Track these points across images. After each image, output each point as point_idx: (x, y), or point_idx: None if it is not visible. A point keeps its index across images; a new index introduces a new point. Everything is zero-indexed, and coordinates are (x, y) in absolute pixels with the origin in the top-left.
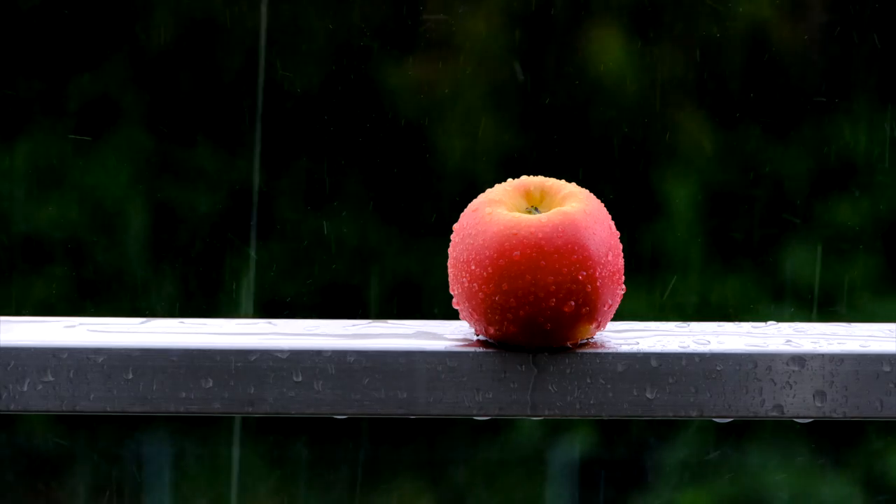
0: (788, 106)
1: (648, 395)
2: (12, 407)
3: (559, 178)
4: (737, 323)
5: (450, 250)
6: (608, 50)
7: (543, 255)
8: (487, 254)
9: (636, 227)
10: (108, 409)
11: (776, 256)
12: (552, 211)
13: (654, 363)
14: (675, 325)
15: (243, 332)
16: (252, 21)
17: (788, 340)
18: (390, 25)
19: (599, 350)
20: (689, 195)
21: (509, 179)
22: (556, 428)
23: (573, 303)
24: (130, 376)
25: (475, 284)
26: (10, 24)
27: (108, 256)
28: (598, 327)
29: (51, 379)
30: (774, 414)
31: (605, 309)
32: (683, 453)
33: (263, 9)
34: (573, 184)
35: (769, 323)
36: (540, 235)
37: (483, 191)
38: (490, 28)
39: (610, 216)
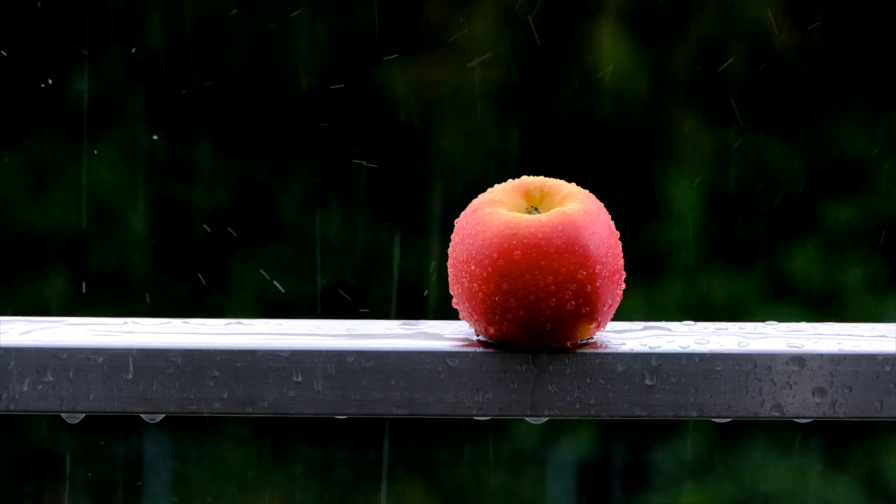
0: (789, 106)
1: (648, 396)
2: (12, 407)
3: (559, 178)
4: (737, 323)
5: (450, 250)
6: (609, 50)
7: (543, 255)
8: (487, 254)
9: (636, 227)
10: (108, 409)
11: (776, 256)
12: (552, 211)
13: (654, 363)
14: (676, 325)
15: (243, 332)
16: (253, 19)
17: (788, 340)
18: (391, 25)
19: (599, 350)
20: (690, 195)
21: (509, 179)
22: (556, 428)
23: (573, 303)
24: (130, 376)
25: (475, 284)
26: (9, 21)
27: (109, 256)
28: (598, 327)
29: (51, 379)
30: (774, 414)
31: (605, 309)
32: (683, 453)
33: (265, 7)
34: (573, 184)
35: (769, 323)
36: (540, 235)
37: (483, 191)
38: (491, 28)
39: (610, 216)
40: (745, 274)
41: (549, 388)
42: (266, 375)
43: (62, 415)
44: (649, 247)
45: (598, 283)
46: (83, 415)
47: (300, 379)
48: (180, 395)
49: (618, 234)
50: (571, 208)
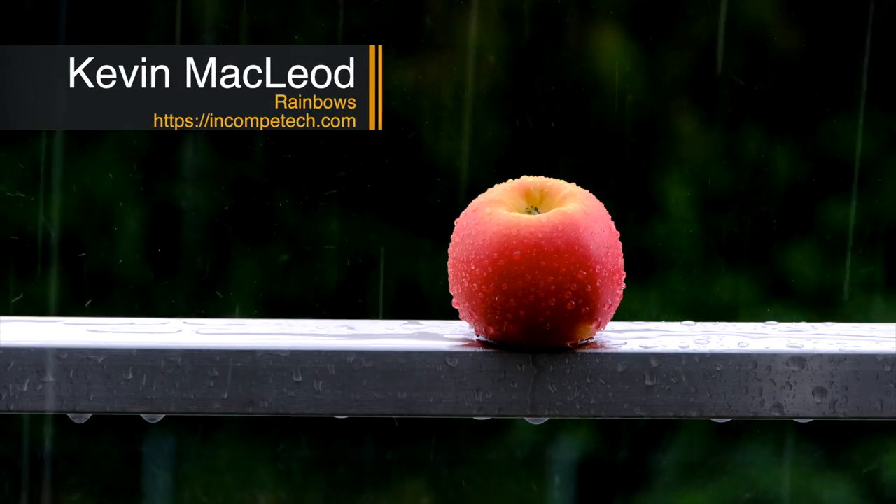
0: (788, 106)
1: (648, 396)
2: (12, 407)
3: (559, 178)
4: (737, 323)
5: (450, 250)
6: (607, 50)
7: (543, 255)
8: (487, 254)
9: (636, 226)
10: (108, 409)
11: (776, 257)
12: (552, 211)
13: (654, 363)
14: (676, 325)
15: (243, 332)
16: (251, 18)
17: (788, 340)
18: (389, 25)
19: (599, 350)
20: (689, 195)
21: (509, 179)
22: (556, 428)
23: (573, 303)
24: (130, 376)
25: (475, 284)
26: (10, 18)
27: (108, 256)
28: (598, 327)
29: (51, 379)
30: (774, 414)
31: (605, 309)
32: (683, 453)
33: (262, 6)
34: (573, 184)
35: (769, 323)
36: (540, 235)
37: (483, 191)
38: (489, 28)
39: (610, 216)
40: (744, 274)
41: (549, 388)
42: (266, 375)
43: (68, 415)
44: (649, 247)
45: (598, 283)
46: (90, 415)
47: (300, 379)
48: (180, 395)
49: (618, 234)
50: (571, 208)
